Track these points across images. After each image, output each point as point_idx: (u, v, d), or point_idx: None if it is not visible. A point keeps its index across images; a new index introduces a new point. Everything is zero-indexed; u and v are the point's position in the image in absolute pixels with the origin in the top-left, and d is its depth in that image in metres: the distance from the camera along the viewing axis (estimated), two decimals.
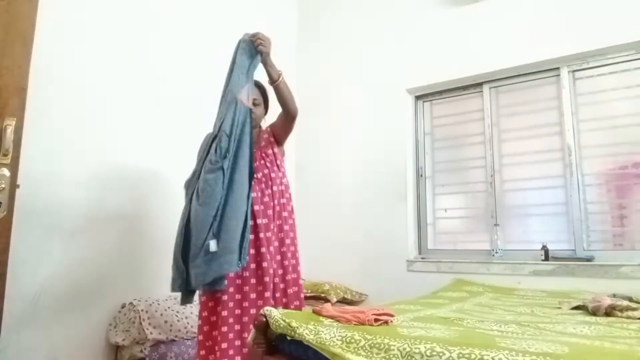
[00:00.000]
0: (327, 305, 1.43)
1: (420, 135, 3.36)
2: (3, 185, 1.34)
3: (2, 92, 1.37)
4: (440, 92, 3.32)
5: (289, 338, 1.28)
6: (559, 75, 2.84)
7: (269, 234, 1.86)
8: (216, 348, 1.73)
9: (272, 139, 2.02)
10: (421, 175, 3.30)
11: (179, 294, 1.89)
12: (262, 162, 1.95)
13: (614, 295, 1.98)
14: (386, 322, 1.33)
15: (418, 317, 1.57)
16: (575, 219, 2.67)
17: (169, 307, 2.31)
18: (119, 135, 2.45)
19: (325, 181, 3.59)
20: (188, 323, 2.30)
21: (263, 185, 1.91)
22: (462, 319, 1.53)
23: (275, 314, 1.32)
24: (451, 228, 3.21)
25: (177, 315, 2.30)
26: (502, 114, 3.05)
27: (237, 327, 1.75)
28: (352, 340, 1.14)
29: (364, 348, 1.11)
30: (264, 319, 1.34)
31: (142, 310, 2.19)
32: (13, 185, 1.37)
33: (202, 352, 1.80)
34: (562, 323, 1.52)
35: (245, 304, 1.77)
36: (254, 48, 1.82)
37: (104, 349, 2.26)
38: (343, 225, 3.42)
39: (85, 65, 2.31)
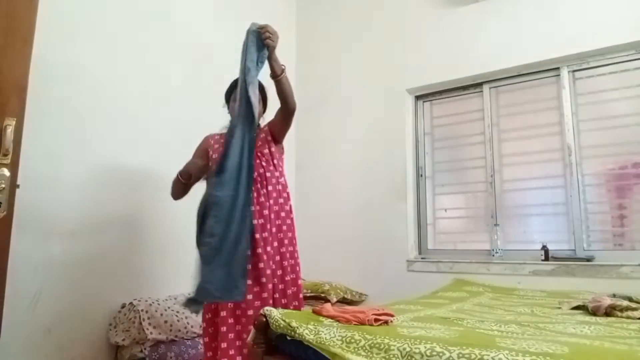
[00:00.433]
0: (327, 305, 1.43)
1: (420, 135, 3.36)
2: (3, 185, 1.34)
3: (2, 92, 1.37)
4: (440, 92, 3.32)
5: (289, 338, 1.28)
6: (559, 75, 2.84)
7: (265, 234, 1.84)
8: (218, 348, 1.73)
9: (269, 138, 2.00)
10: (421, 175, 3.30)
11: (178, 295, 1.89)
12: (258, 161, 1.92)
13: (614, 295, 1.98)
14: (386, 322, 1.33)
15: (418, 317, 1.57)
16: (575, 219, 2.67)
17: (169, 307, 2.31)
18: (119, 135, 2.45)
19: (325, 181, 3.59)
20: (188, 323, 2.30)
21: (258, 185, 1.88)
22: (462, 319, 1.53)
23: (275, 314, 1.32)
24: (451, 228, 3.21)
25: (177, 315, 2.30)
26: (502, 114, 3.05)
27: (237, 327, 1.74)
28: (352, 340, 1.14)
29: (364, 348, 1.11)
30: (264, 319, 1.34)
31: (142, 310, 2.19)
32: (13, 185, 1.38)
33: (209, 354, 1.80)
34: (562, 323, 1.52)
35: (243, 305, 1.76)
36: (261, 41, 1.80)
37: (104, 349, 2.26)
38: (343, 225, 3.42)
39: (85, 65, 2.31)
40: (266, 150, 1.97)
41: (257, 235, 1.81)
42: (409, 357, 1.02)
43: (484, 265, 2.84)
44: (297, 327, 1.23)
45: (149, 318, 2.19)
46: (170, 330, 2.23)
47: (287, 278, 1.90)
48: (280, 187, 1.96)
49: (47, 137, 2.11)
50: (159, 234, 2.59)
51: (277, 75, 1.85)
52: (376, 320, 1.30)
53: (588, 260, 2.54)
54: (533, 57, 2.85)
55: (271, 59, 1.84)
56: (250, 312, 1.74)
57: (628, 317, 1.68)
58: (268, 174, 1.92)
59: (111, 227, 2.38)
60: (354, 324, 1.26)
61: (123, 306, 2.30)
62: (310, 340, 1.19)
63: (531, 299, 2.25)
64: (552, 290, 2.39)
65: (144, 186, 2.57)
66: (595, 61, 2.73)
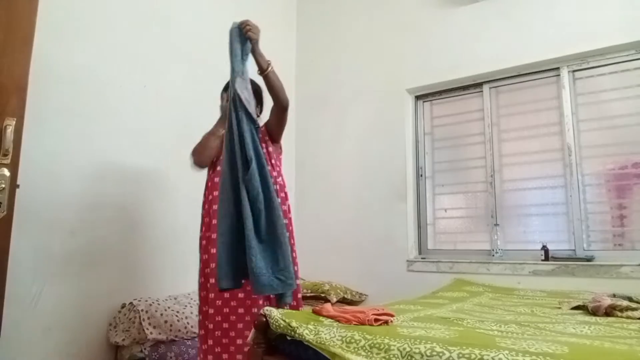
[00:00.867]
0: (327, 305, 1.42)
1: (420, 135, 3.36)
2: (3, 185, 1.34)
3: (2, 92, 1.37)
4: (440, 92, 3.32)
5: (289, 338, 1.28)
6: (559, 75, 2.84)
7: None
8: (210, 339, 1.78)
9: (266, 137, 2.00)
10: (421, 175, 3.30)
11: (178, 295, 1.89)
12: None
13: (614, 295, 1.99)
14: (386, 322, 1.32)
15: (418, 317, 1.57)
16: (575, 219, 2.67)
17: (169, 307, 2.31)
18: (119, 136, 2.44)
19: (325, 181, 3.59)
20: (188, 323, 2.30)
21: None
22: (462, 319, 1.53)
23: (275, 314, 1.32)
24: (451, 228, 3.21)
25: (177, 315, 2.30)
26: (502, 114, 3.05)
27: (225, 325, 1.77)
28: (352, 340, 1.14)
29: (364, 348, 1.11)
30: (264, 319, 1.34)
31: (142, 310, 2.19)
32: (13, 185, 1.38)
33: (204, 347, 1.82)
34: (562, 323, 1.52)
35: (233, 302, 1.79)
36: (242, 35, 1.80)
37: (104, 349, 2.26)
38: (343, 225, 3.42)
39: (86, 65, 2.31)
40: (264, 150, 1.96)
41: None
42: (409, 357, 1.02)
43: (484, 265, 2.84)
44: (297, 327, 1.23)
45: (149, 318, 2.19)
46: (170, 330, 2.23)
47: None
48: (277, 186, 1.95)
49: (47, 137, 2.11)
50: (159, 233, 2.59)
51: (264, 70, 1.85)
52: (376, 320, 1.30)
53: (588, 260, 2.54)
54: (533, 57, 2.85)
55: (255, 53, 1.84)
56: (241, 310, 1.76)
57: (628, 317, 1.68)
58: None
59: (111, 227, 2.37)
60: (354, 324, 1.26)
61: (123, 306, 2.30)
62: (310, 340, 1.19)
63: (531, 299, 2.25)
64: (552, 290, 2.39)
65: (144, 186, 2.57)
66: (595, 61, 2.73)
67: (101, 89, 2.38)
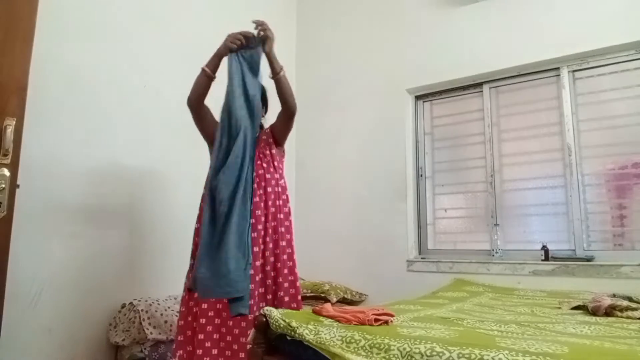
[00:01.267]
0: (327, 305, 1.42)
1: (420, 135, 3.36)
2: (3, 185, 1.34)
3: (2, 91, 1.37)
4: (440, 92, 3.32)
5: (289, 338, 1.28)
6: (559, 75, 2.84)
7: (254, 234, 1.83)
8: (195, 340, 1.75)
9: (270, 140, 2.00)
10: (421, 175, 3.30)
11: (178, 294, 1.88)
12: (259, 162, 1.93)
13: (614, 295, 1.99)
14: (386, 322, 1.32)
15: (418, 317, 1.57)
16: (575, 219, 2.67)
17: (169, 307, 2.31)
18: (119, 135, 2.45)
19: (325, 181, 3.59)
20: None
21: (255, 186, 1.88)
22: (462, 319, 1.53)
23: (275, 314, 1.32)
24: (451, 228, 3.21)
25: (177, 315, 2.29)
26: (502, 114, 3.05)
27: (217, 320, 1.76)
28: (352, 340, 1.14)
29: (364, 348, 1.11)
30: (264, 319, 1.34)
31: (142, 310, 2.19)
32: (13, 185, 1.38)
33: (180, 338, 1.80)
34: (562, 323, 1.52)
35: (219, 305, 1.77)
36: (255, 42, 1.80)
37: (104, 349, 2.26)
38: (343, 225, 3.42)
39: (86, 65, 2.31)
40: (267, 152, 1.97)
41: None
42: (409, 357, 1.02)
43: (484, 265, 2.84)
44: (297, 327, 1.23)
45: (149, 318, 2.19)
46: (170, 330, 2.22)
47: (280, 280, 1.89)
48: (279, 189, 1.96)
49: (47, 137, 2.11)
50: (159, 233, 2.59)
51: (277, 73, 1.85)
52: (376, 320, 1.30)
53: (588, 260, 2.54)
54: (533, 57, 2.85)
55: (270, 56, 1.83)
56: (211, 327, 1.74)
57: (628, 317, 1.68)
58: (268, 176, 1.93)
59: (111, 227, 2.38)
60: (354, 324, 1.26)
61: (123, 306, 2.30)
62: (310, 340, 1.19)
63: (531, 299, 2.25)
64: (552, 290, 2.39)
65: (144, 186, 2.57)
66: (595, 61, 2.73)
67: (101, 89, 2.38)
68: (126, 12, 2.54)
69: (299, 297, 1.95)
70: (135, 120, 2.53)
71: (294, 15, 4.05)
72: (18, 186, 1.41)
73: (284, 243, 1.92)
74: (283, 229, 1.94)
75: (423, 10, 3.33)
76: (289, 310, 1.54)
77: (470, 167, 3.15)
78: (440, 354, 0.99)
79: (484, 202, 3.03)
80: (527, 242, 2.83)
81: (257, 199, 1.88)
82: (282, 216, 1.95)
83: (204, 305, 1.77)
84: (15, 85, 1.40)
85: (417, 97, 3.40)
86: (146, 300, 2.28)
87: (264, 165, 1.94)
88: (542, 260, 2.67)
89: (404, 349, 1.05)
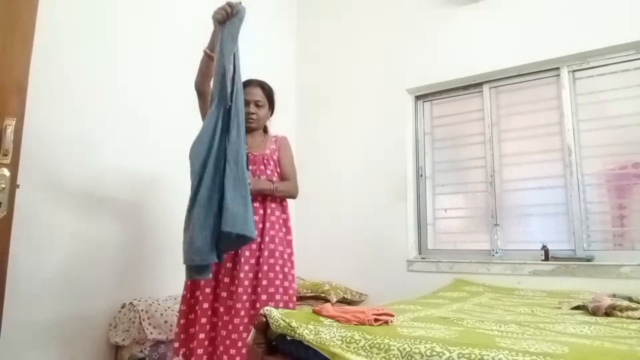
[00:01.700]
0: (327, 305, 1.42)
1: (420, 135, 3.36)
2: (3, 185, 1.34)
3: (2, 92, 1.37)
4: (440, 92, 3.31)
5: (289, 338, 1.28)
6: (559, 75, 2.84)
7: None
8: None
9: (277, 154, 2.09)
10: (421, 175, 3.30)
11: (178, 294, 1.91)
12: (262, 167, 1.99)
13: (614, 295, 1.98)
14: (386, 322, 1.32)
15: (418, 317, 1.57)
16: (575, 219, 2.67)
17: (169, 307, 2.31)
18: (119, 136, 2.45)
19: (325, 181, 3.58)
20: None
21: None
22: (462, 319, 1.53)
23: (275, 314, 1.32)
24: (451, 228, 3.21)
25: (177, 315, 2.29)
26: (502, 114, 3.05)
27: (208, 322, 1.81)
28: (352, 340, 1.14)
29: (364, 348, 1.11)
30: (264, 319, 1.34)
31: (142, 310, 2.19)
32: (13, 185, 1.38)
33: (182, 321, 1.86)
34: (562, 323, 1.52)
35: (215, 304, 1.82)
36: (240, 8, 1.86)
37: (104, 349, 2.26)
38: (343, 225, 3.41)
39: (86, 65, 2.31)
40: (274, 157, 2.07)
41: None
42: (409, 357, 1.02)
43: (484, 265, 2.84)
44: (297, 327, 1.23)
45: (149, 318, 2.19)
46: (170, 330, 2.22)
47: (278, 282, 1.92)
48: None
49: (47, 137, 2.11)
50: (159, 233, 2.59)
51: (271, 191, 1.97)
52: (376, 320, 1.30)
53: (588, 260, 2.54)
54: (533, 57, 2.85)
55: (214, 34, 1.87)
56: (224, 295, 1.81)
57: (628, 317, 1.68)
58: (274, 179, 2.03)
59: (111, 227, 2.37)
60: (354, 324, 1.26)
61: (123, 306, 2.30)
62: (310, 340, 1.19)
63: (531, 299, 2.25)
64: (552, 290, 2.39)
65: (144, 186, 2.57)
66: (595, 61, 2.73)
67: (101, 89, 2.38)
68: (126, 13, 2.54)
69: (294, 298, 2.00)
70: (135, 120, 2.53)
71: (294, 16, 4.05)
72: (18, 186, 1.41)
73: (282, 247, 1.99)
74: (285, 230, 2.04)
75: (423, 10, 3.33)
76: (289, 310, 1.54)
77: (470, 167, 3.15)
78: (440, 354, 0.99)
79: (484, 202, 3.03)
80: (527, 242, 2.83)
81: (256, 203, 1.94)
82: (284, 217, 2.06)
83: (205, 305, 1.81)
84: (15, 85, 1.40)
85: (417, 97, 3.40)
86: (146, 300, 2.28)
87: (268, 172, 2.02)
88: (542, 260, 2.67)
89: (404, 349, 1.05)
